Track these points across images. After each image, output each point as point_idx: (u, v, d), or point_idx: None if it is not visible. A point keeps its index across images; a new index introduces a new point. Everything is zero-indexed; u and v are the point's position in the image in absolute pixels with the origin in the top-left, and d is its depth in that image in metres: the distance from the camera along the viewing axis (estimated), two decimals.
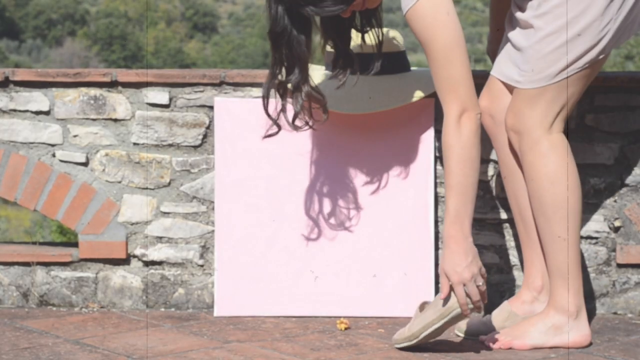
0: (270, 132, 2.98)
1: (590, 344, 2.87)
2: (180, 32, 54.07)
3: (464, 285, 2.71)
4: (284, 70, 2.89)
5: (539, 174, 2.83)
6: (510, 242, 3.26)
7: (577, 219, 2.85)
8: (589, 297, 3.23)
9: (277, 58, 2.87)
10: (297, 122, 2.96)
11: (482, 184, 3.24)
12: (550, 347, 2.84)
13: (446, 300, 2.73)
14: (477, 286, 2.72)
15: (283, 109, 2.94)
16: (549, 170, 2.82)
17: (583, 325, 2.86)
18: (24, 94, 3.30)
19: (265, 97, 2.93)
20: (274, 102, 2.93)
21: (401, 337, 2.80)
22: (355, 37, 3.05)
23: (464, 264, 2.71)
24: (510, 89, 2.91)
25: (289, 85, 2.90)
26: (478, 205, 3.23)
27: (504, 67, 2.92)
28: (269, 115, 2.94)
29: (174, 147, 3.29)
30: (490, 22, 3.21)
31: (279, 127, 2.97)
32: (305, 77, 2.88)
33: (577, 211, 2.85)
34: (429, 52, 2.76)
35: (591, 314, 3.21)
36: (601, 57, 2.81)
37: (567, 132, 2.88)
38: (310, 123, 2.96)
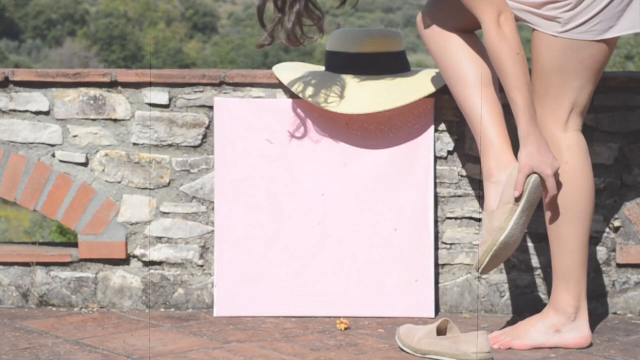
0: (262, 42, 2.95)
1: (591, 344, 2.87)
2: (180, 32, 54.09)
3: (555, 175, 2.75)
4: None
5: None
6: None
7: (586, 223, 2.84)
8: (589, 297, 3.22)
9: None
10: (291, 38, 2.91)
11: (482, 184, 3.23)
12: (550, 347, 2.84)
13: (465, 342, 2.71)
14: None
15: (280, 22, 2.90)
16: (561, 170, 2.81)
17: (582, 327, 2.86)
18: (23, 94, 3.30)
19: (261, 7, 2.89)
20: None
21: (406, 341, 2.79)
22: None
23: (551, 155, 2.74)
24: None
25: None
26: (478, 205, 3.23)
27: None
28: (263, 26, 2.92)
29: (174, 147, 3.29)
30: None
31: (272, 39, 2.94)
32: None
33: (586, 214, 2.84)
34: None
35: (591, 314, 3.20)
36: (563, 34, 2.77)
37: None
38: (302, 40, 2.93)
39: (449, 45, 2.92)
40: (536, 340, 2.85)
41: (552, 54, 2.78)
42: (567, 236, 2.83)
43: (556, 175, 2.76)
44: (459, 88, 2.91)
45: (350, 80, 3.16)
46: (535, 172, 2.74)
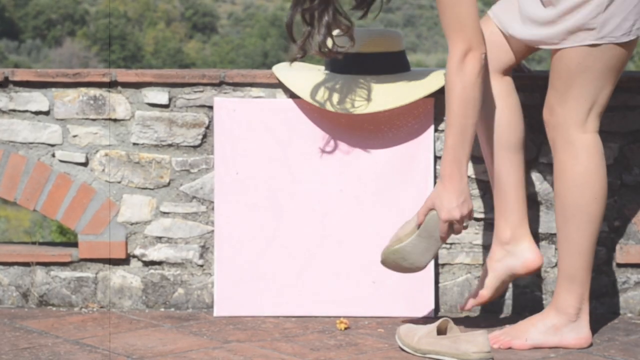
0: (295, 56, 2.97)
1: (591, 345, 2.86)
2: (179, 32, 54.09)
3: (451, 223, 2.77)
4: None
5: (566, 173, 2.81)
6: None
7: (595, 226, 2.83)
8: (589, 297, 3.23)
9: None
10: (323, 49, 2.94)
11: (482, 184, 3.23)
12: (550, 347, 2.84)
13: (465, 342, 2.71)
14: (463, 226, 2.80)
15: (309, 35, 2.92)
16: (576, 171, 2.80)
17: (583, 328, 2.86)
18: (23, 94, 3.30)
19: (289, 24, 2.92)
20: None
21: (407, 340, 2.79)
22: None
23: (455, 204, 2.75)
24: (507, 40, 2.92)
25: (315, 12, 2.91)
26: (478, 205, 3.23)
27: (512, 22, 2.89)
28: (293, 40, 2.94)
29: (174, 147, 3.29)
30: None
31: (304, 52, 2.96)
32: (328, 4, 2.87)
33: (597, 218, 2.83)
34: None
35: (591, 314, 3.21)
36: (603, 41, 2.74)
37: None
38: (335, 50, 2.96)
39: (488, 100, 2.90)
40: (536, 340, 2.85)
41: (577, 58, 2.76)
42: (576, 237, 2.83)
43: (457, 226, 2.79)
44: (491, 148, 2.94)
45: (350, 80, 3.16)
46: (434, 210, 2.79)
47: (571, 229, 2.83)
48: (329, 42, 2.94)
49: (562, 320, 2.85)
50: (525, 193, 2.98)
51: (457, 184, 2.76)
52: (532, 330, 2.86)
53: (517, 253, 2.95)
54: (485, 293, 2.97)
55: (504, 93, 2.93)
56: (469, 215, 2.80)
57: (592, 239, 2.84)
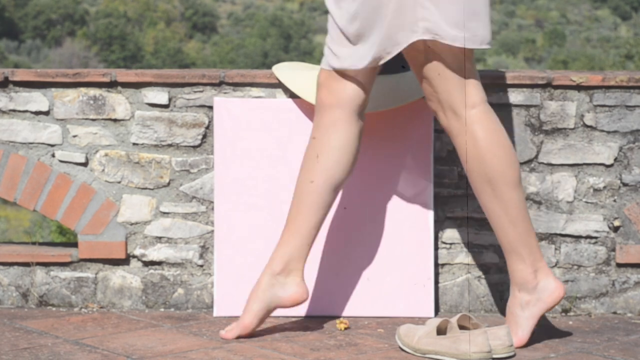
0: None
1: (564, 293, 2.87)
2: (179, 32, 54.12)
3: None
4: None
5: (471, 154, 2.80)
6: None
7: (519, 191, 2.83)
8: (589, 297, 3.23)
9: None
10: None
11: None
12: (539, 319, 2.84)
13: (465, 342, 2.70)
14: None
15: None
16: (480, 147, 2.81)
17: (549, 282, 2.86)
18: (23, 94, 3.30)
19: None
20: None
21: (406, 340, 2.79)
22: None
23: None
24: None
25: None
26: (477, 205, 3.23)
27: None
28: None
29: (174, 147, 3.29)
30: None
31: None
32: None
33: (517, 181, 2.82)
34: None
35: (591, 314, 3.21)
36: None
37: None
38: None
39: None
40: (528, 326, 2.84)
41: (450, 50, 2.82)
42: (505, 209, 2.83)
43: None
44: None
45: None
46: None
47: (495, 203, 2.83)
48: None
49: (528, 292, 2.85)
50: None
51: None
52: (519, 322, 2.85)
53: (286, 285, 2.95)
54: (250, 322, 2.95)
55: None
56: None
57: (520, 204, 2.83)
